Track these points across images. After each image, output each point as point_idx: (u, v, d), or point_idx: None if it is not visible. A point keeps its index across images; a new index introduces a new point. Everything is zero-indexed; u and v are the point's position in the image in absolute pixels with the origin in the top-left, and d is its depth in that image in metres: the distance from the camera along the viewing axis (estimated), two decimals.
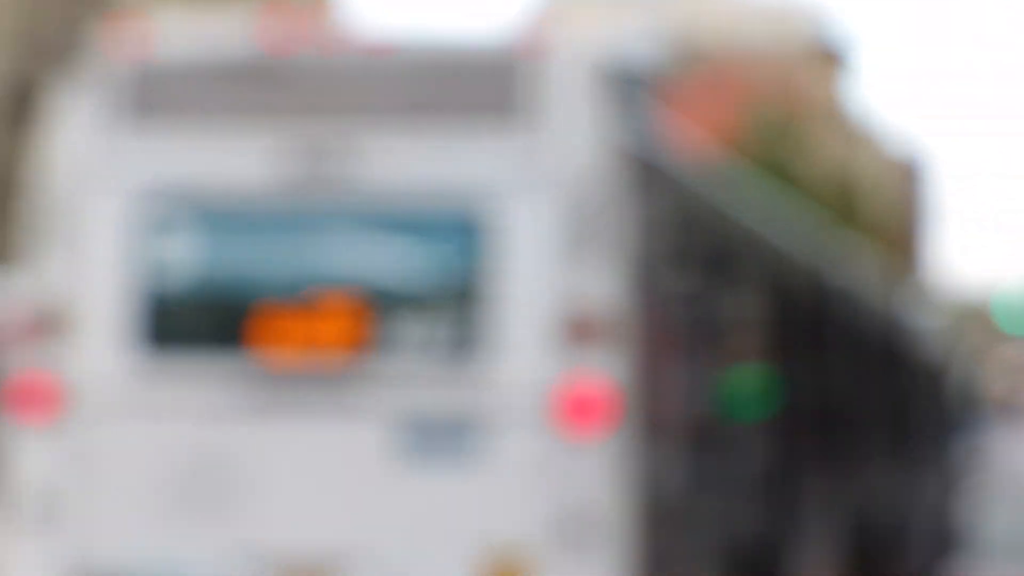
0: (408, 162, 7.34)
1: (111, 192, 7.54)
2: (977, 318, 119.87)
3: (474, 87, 7.35)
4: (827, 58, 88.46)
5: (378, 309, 7.32)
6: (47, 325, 7.47)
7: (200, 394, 7.46)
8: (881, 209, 76.35)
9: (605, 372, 7.03)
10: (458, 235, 7.29)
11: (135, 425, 7.48)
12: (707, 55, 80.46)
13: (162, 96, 7.59)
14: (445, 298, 7.28)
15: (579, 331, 7.03)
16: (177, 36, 7.60)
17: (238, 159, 7.42)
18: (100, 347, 7.49)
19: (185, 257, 7.59)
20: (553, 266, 7.11)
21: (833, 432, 10.96)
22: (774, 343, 9.41)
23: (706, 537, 8.27)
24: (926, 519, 15.69)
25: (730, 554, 8.57)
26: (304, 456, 7.34)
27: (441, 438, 7.20)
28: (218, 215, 7.49)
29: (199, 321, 7.62)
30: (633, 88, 7.72)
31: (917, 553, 15.16)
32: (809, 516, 10.28)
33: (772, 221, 9.68)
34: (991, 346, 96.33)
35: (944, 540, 17.07)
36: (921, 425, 15.49)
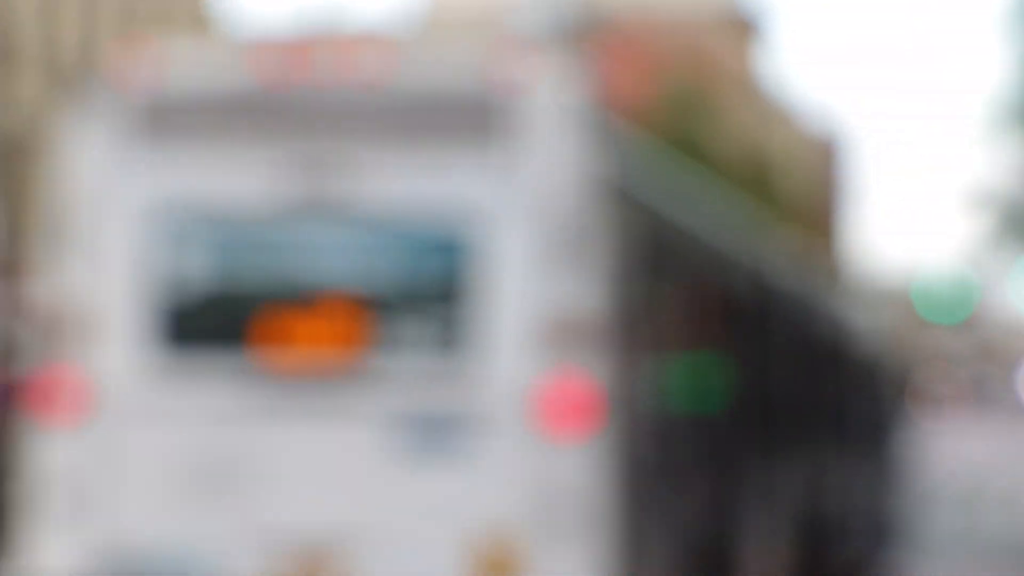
0: (397, 181, 8.48)
1: (126, 207, 8.66)
2: (898, 304, 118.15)
3: (456, 114, 8.55)
4: (741, 27, 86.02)
5: (372, 315, 8.46)
6: (69, 329, 8.54)
7: (210, 392, 8.52)
8: (798, 187, 73.57)
9: (584, 373, 8.04)
10: (444, 248, 8.35)
11: (151, 421, 8.55)
12: (616, 22, 77.71)
13: (172, 119, 8.72)
14: (433, 306, 8.38)
15: (559, 336, 8.11)
16: (184, 62, 8.79)
17: (241, 177, 8.61)
18: (117, 349, 8.56)
19: (195, 267, 8.67)
20: (534, 275, 8.15)
21: (775, 424, 12.05)
22: (723, 338, 10.63)
23: (670, 526, 9.29)
24: (865, 510, 16.82)
25: (690, 542, 9.66)
26: (307, 450, 8.43)
27: (432, 436, 8.25)
28: (224, 228, 8.66)
29: (208, 325, 8.65)
30: (597, 110, 8.87)
31: (856, 543, 16.26)
32: (755, 506, 11.39)
33: (710, 217, 10.68)
34: (912, 333, 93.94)
35: (882, 531, 18.17)
36: (859, 417, 16.72)
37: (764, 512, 11.53)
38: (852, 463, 15.72)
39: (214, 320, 8.75)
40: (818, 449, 13.76)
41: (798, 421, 12.75)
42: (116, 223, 8.72)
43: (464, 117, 8.65)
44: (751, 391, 11.14)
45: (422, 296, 8.49)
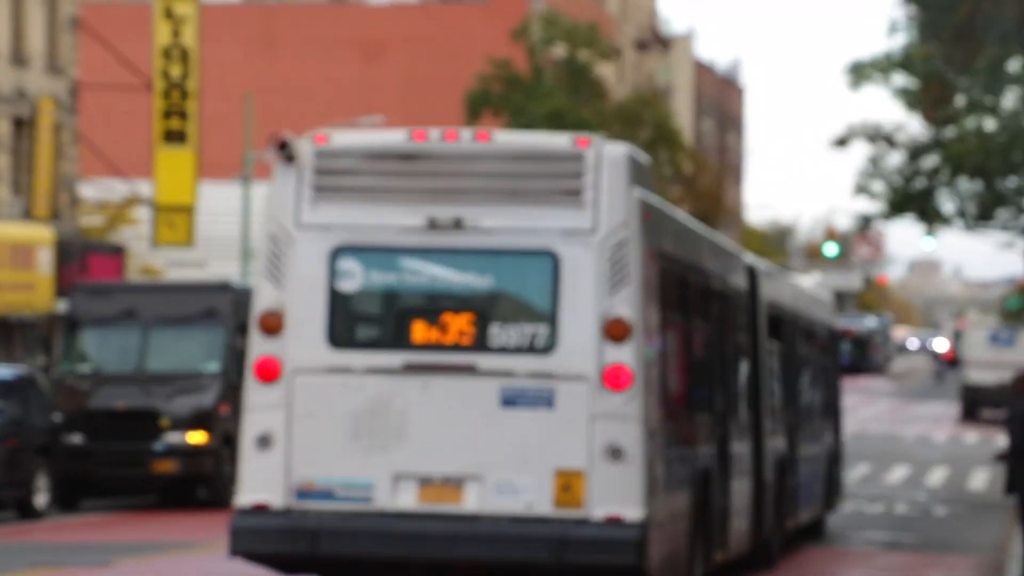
0: (509, 219, 13.25)
1: (307, 238, 13.38)
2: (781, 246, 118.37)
3: (547, 166, 13.42)
4: None
5: (485, 315, 13.20)
6: (273, 327, 13.42)
7: (370, 370, 13.25)
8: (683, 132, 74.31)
9: (622, 355, 13.24)
10: (542, 271, 13.23)
11: (325, 389, 13.28)
12: None
13: (338, 171, 13.53)
14: (535, 311, 13.28)
15: (613, 331, 13.24)
16: (347, 140, 14.02)
17: (386, 212, 13.31)
18: (303, 339, 13.38)
19: (356, 287, 13.42)
20: (597, 290, 13.28)
21: (731, 376, 17.33)
22: (704, 338, 16.13)
23: (674, 454, 14.25)
24: (816, 473, 22.45)
25: (688, 466, 14.87)
26: (441, 411, 13.23)
27: (532, 395, 13.26)
28: (376, 259, 13.23)
29: (368, 326, 13.46)
30: (644, 169, 13.88)
31: (811, 500, 22.24)
32: (727, 438, 16.88)
33: (699, 256, 15.82)
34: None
35: (828, 490, 23.89)
36: (814, 389, 22.50)
37: (732, 443, 17.07)
38: (810, 432, 22.05)
39: (372, 321, 13.59)
40: (780, 421, 19.94)
41: (763, 387, 18.69)
42: (302, 257, 13.54)
43: (553, 178, 13.47)
44: (716, 362, 16.72)
45: (525, 311, 13.51)
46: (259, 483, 13.62)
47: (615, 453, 13.34)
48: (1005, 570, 20.16)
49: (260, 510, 13.64)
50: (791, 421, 20.39)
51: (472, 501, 13.35)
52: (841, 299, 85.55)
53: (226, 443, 28.27)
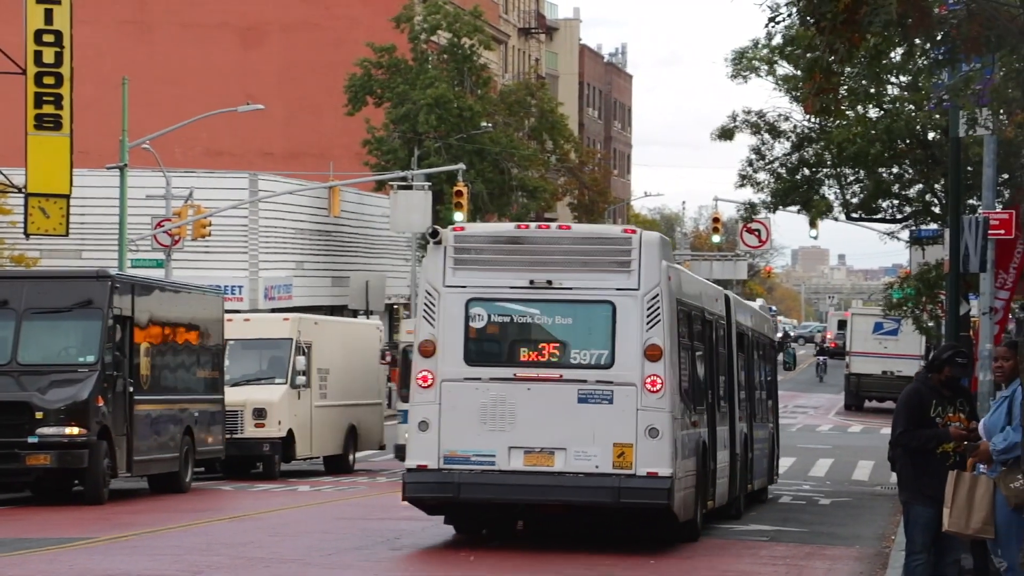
0: (583, 281, 20.54)
1: (450, 293, 20.56)
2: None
3: (608, 244, 20.85)
4: None
5: (567, 343, 20.48)
6: (428, 352, 20.58)
7: (492, 379, 20.30)
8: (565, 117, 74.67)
9: (657, 369, 20.36)
10: (605, 315, 20.47)
11: (463, 392, 20.31)
12: None
13: (472, 254, 20.79)
14: (600, 340, 20.54)
15: (648, 355, 20.36)
16: (476, 229, 21.96)
17: (503, 277, 20.58)
18: (449, 360, 20.49)
19: (483, 325, 20.62)
20: (642, 328, 20.51)
21: (726, 390, 25.46)
22: (708, 354, 24.14)
23: (686, 434, 21.37)
24: (764, 451, 29.10)
25: (693, 441, 21.98)
26: (541, 403, 20.29)
27: (598, 394, 20.30)
28: (496, 304, 20.48)
29: (490, 350, 20.50)
30: (667, 245, 21.53)
31: (762, 472, 29.15)
32: (722, 427, 24.78)
33: (701, 300, 23.88)
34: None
35: (771, 465, 30.50)
36: (763, 387, 29.61)
37: (717, 426, 24.29)
38: (761, 422, 29.14)
39: (493, 349, 20.66)
40: (744, 405, 27.35)
41: (734, 386, 25.99)
42: (447, 306, 20.56)
43: (611, 254, 20.66)
44: (707, 368, 23.99)
45: (594, 339, 20.69)
46: (421, 452, 20.73)
47: (652, 432, 20.64)
48: (890, 561, 20.15)
49: (421, 469, 20.72)
50: (750, 411, 27.65)
51: (560, 463, 20.63)
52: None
53: (102, 436, 27.71)
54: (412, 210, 61.03)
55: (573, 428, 20.39)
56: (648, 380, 20.48)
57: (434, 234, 20.89)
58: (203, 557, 20.91)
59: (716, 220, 77.63)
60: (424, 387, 20.62)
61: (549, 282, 20.66)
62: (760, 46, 37.95)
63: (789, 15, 28.10)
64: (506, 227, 21.63)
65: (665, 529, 21.56)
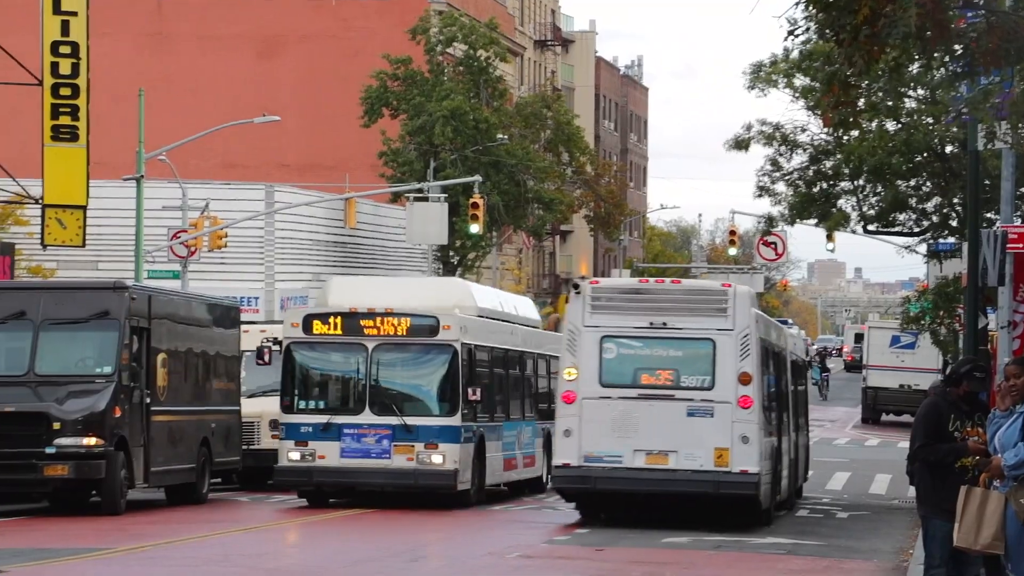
0: (690, 323, 26.57)
1: (589, 336, 26.65)
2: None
3: (710, 295, 27.09)
4: None
5: (679, 370, 26.56)
6: (572, 376, 26.65)
7: (621, 397, 26.40)
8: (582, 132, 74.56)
9: (750, 391, 26.43)
10: (707, 349, 26.49)
11: (598, 407, 26.27)
12: None
13: (604, 301, 26.95)
14: (704, 369, 26.54)
15: (741, 380, 26.40)
16: (608, 282, 31.63)
17: (628, 319, 26.68)
18: (585, 383, 26.51)
19: (613, 356, 26.69)
20: (735, 359, 26.47)
21: (780, 400, 30.29)
22: (781, 378, 30.81)
23: (766, 441, 27.30)
24: (801, 456, 33.52)
25: (769, 447, 27.79)
26: (658, 417, 26.28)
27: (703, 410, 26.30)
28: (623, 340, 26.63)
29: (620, 374, 26.51)
30: (754, 296, 28.24)
31: (801, 473, 33.78)
32: (785, 434, 30.46)
33: (771, 337, 29.86)
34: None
35: (805, 468, 34.89)
36: (801, 402, 34.34)
37: (780, 435, 29.51)
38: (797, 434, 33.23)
39: (621, 373, 26.49)
40: (792, 413, 32.10)
41: (784, 396, 30.77)
42: (586, 341, 26.52)
43: (712, 303, 26.70)
44: (775, 389, 29.44)
45: (699, 367, 26.50)
46: (565, 453, 26.48)
47: (744, 439, 26.32)
48: (909, 575, 20.07)
49: (566, 466, 26.50)
50: (795, 423, 32.25)
51: (673, 463, 26.30)
52: None
53: (119, 447, 27.71)
54: (428, 222, 61.04)
55: (683, 436, 26.23)
56: (740, 399, 26.32)
57: (576, 287, 27.33)
58: (220, 568, 20.90)
59: (733, 233, 77.53)
60: (568, 404, 26.57)
61: (664, 324, 26.61)
62: (778, 60, 37.89)
63: (807, 29, 28.09)
64: (630, 281, 30.11)
65: (750, 515, 26.90)
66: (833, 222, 37.81)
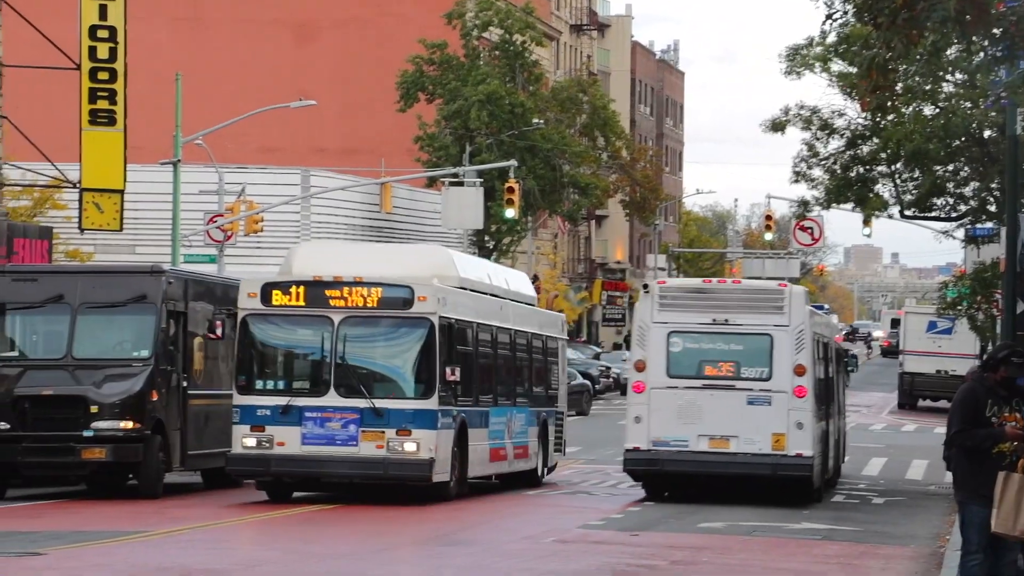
0: (749, 320, 28.61)
1: (657, 331, 28.67)
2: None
3: (768, 295, 29.09)
4: None
5: (739, 363, 28.59)
6: (641, 368, 28.77)
7: (686, 387, 28.42)
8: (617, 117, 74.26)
9: (804, 381, 28.46)
10: (765, 343, 28.51)
11: (665, 396, 28.36)
12: None
13: (670, 298, 28.92)
14: (762, 361, 28.52)
15: (796, 371, 28.43)
16: (675, 282, 33.81)
17: (693, 316, 28.68)
18: (655, 374, 28.54)
19: (679, 349, 28.62)
20: (791, 353, 28.49)
21: (828, 387, 31.85)
22: (825, 368, 31.85)
23: (818, 426, 29.21)
24: (842, 440, 35.38)
25: (821, 431, 29.73)
26: (718, 406, 28.35)
27: (761, 399, 28.33)
28: (688, 335, 28.64)
29: (686, 366, 28.55)
30: (808, 294, 30.49)
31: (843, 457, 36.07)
32: (834, 418, 32.59)
33: (821, 329, 31.80)
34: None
35: (844, 449, 36.15)
36: (840, 389, 35.15)
37: (829, 420, 31.19)
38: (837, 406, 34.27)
39: (686, 364, 28.50)
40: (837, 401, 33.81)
41: (831, 384, 32.19)
42: (654, 336, 28.59)
43: (770, 301, 28.73)
44: (824, 376, 30.81)
45: (758, 360, 28.47)
46: (636, 438, 28.47)
47: (799, 425, 28.26)
48: (945, 561, 20.02)
49: (636, 450, 28.47)
50: (838, 409, 33.79)
51: (734, 447, 28.33)
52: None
53: (156, 430, 27.82)
54: (464, 207, 61.04)
55: (743, 422, 28.21)
56: (796, 389, 28.26)
57: (645, 287, 29.33)
58: (258, 551, 20.97)
59: (769, 218, 77.28)
60: (638, 393, 28.58)
61: (726, 320, 28.51)
62: (815, 44, 37.73)
63: (845, 12, 27.97)
64: (695, 281, 32.11)
65: (804, 494, 28.85)
66: (870, 207, 37.70)
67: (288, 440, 26.57)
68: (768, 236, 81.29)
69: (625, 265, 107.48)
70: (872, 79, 21.34)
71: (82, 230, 42.81)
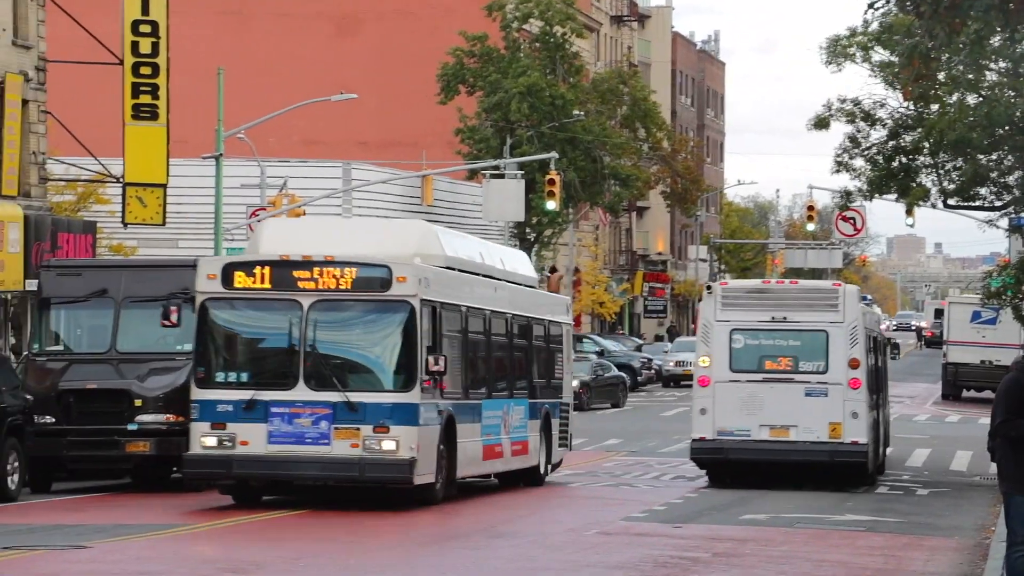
0: (806, 317, 30.56)
1: (720, 328, 30.52)
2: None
3: (823, 293, 30.99)
4: None
5: (797, 357, 30.51)
6: (706, 363, 30.54)
7: (748, 381, 30.36)
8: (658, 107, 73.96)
9: (858, 374, 30.36)
10: (822, 338, 30.32)
11: (728, 389, 30.35)
12: None
13: (732, 298, 30.85)
14: (818, 355, 30.37)
15: (851, 364, 30.29)
16: (734, 282, 37.13)
17: (753, 314, 30.63)
18: (718, 369, 30.38)
19: (741, 345, 30.62)
20: (846, 349, 30.35)
21: (880, 375, 34.53)
22: (874, 357, 33.51)
23: (872, 415, 31.24)
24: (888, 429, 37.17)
25: (873, 419, 31.73)
26: (780, 396, 30.29)
27: (818, 391, 30.21)
28: (749, 332, 30.55)
29: (747, 361, 30.45)
30: (859, 292, 32.45)
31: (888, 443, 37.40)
32: (879, 414, 33.88)
33: (868, 323, 32.80)
34: None
35: (887, 437, 36.59)
36: (885, 379, 36.47)
37: (879, 409, 33.20)
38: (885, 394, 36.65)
39: (746, 362, 30.43)
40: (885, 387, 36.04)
41: (880, 375, 34.13)
42: (718, 333, 30.41)
43: (825, 300, 30.61)
44: (874, 367, 32.70)
45: (815, 354, 30.34)
46: (701, 428, 30.14)
47: (854, 415, 30.09)
48: (990, 552, 19.92)
49: (702, 440, 30.20)
50: (884, 398, 35.69)
51: (793, 435, 30.08)
52: (822, 278, 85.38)
53: None
54: (505, 199, 61.03)
55: (802, 412, 30.00)
56: (851, 381, 30.05)
57: (708, 288, 31.37)
58: (305, 544, 21.04)
59: (811, 208, 77.02)
60: (703, 387, 30.27)
61: (784, 318, 30.35)
62: (856, 33, 37.54)
63: (887, 1, 27.89)
64: (755, 282, 33.45)
65: (859, 478, 30.55)
66: (913, 197, 37.52)
67: (252, 439, 24.04)
68: (810, 227, 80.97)
69: (667, 256, 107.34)
70: (914, 68, 21.21)
71: (125, 224, 42.90)
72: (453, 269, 26.41)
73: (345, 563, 19.66)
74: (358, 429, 23.81)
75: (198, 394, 24.47)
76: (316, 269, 24.14)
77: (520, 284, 30.31)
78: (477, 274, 27.68)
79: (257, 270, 24.29)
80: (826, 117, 37.39)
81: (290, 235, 25.92)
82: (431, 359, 24.23)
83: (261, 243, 25.62)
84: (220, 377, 24.38)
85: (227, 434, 24.13)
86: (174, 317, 25.97)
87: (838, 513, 25.99)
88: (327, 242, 25.03)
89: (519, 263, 31.33)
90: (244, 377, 24.35)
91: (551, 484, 30.60)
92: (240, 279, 24.35)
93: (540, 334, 30.48)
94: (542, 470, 30.25)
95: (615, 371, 59.09)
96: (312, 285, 24.16)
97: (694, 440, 30.29)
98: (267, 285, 24.28)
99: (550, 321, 31.17)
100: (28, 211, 40.32)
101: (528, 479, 29.65)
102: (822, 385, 29.99)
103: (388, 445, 23.79)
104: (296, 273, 24.22)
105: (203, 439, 24.27)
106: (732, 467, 30.49)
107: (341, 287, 24.14)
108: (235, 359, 24.63)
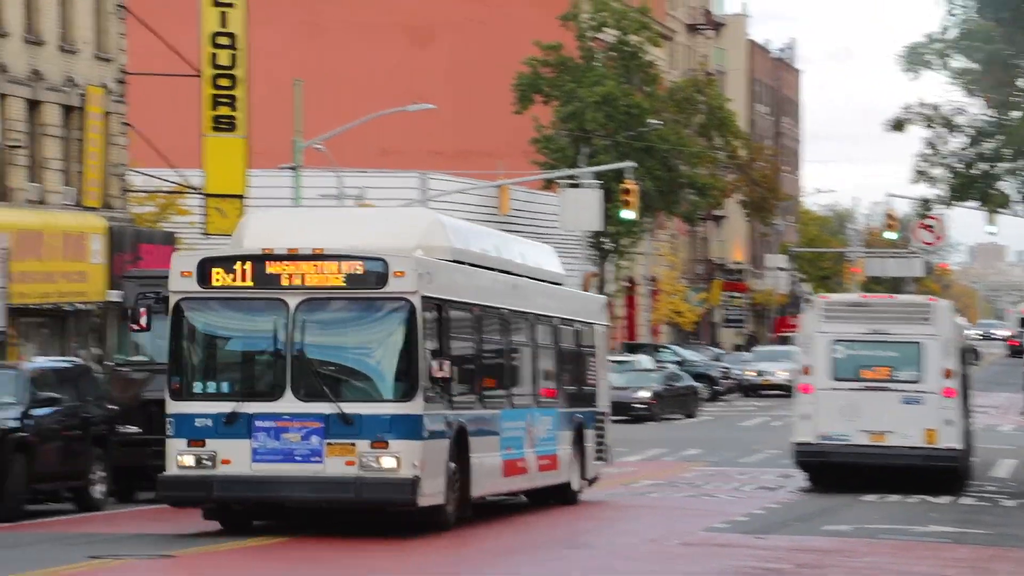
0: (902, 329, 31.91)
1: (822, 339, 31.82)
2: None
3: (918, 307, 32.63)
4: None
5: (894, 367, 31.82)
6: (808, 372, 31.87)
7: (848, 390, 31.61)
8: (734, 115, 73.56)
9: (951, 383, 31.69)
10: (916, 350, 31.73)
11: (829, 396, 31.64)
12: None
13: (834, 311, 32.26)
14: (914, 365, 31.73)
15: (944, 374, 31.56)
16: (834, 296, 36.56)
17: (852, 326, 31.87)
18: (820, 377, 31.67)
19: (841, 355, 31.76)
20: (939, 360, 31.64)
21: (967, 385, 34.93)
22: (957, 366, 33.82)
23: (963, 422, 32.63)
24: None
25: (965, 426, 33.21)
26: (877, 404, 31.57)
27: (912, 400, 31.51)
28: (849, 343, 31.80)
29: (847, 370, 31.70)
30: (952, 306, 33.90)
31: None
32: (968, 423, 34.54)
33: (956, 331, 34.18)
34: None
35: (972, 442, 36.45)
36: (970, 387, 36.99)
37: (967, 417, 33.54)
38: None
39: (846, 371, 31.69)
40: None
41: (969, 384, 34.41)
42: (819, 344, 31.72)
43: (920, 314, 32.08)
44: (966, 376, 33.64)
45: (910, 364, 31.75)
46: (803, 433, 31.67)
47: (949, 422, 31.43)
48: None
49: (805, 444, 31.61)
50: (970, 408, 35.66)
51: (890, 441, 31.39)
52: (902, 287, 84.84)
53: None
54: (582, 208, 60.99)
55: (898, 419, 31.42)
56: (944, 390, 31.49)
57: (810, 301, 33.44)
58: (388, 560, 20.98)
59: (891, 217, 76.51)
60: (805, 394, 31.76)
61: (881, 331, 31.74)
62: (934, 40, 37.31)
63: (966, 8, 27.71)
64: (854, 296, 35.81)
65: (952, 483, 31.84)
66: (994, 204, 37.27)
67: (235, 457, 21.34)
68: (890, 235, 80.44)
69: (744, 265, 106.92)
70: (995, 75, 21.04)
71: (206, 235, 43.14)
72: (463, 263, 23.30)
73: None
74: (353, 445, 21.11)
75: (173, 407, 21.78)
76: (303, 263, 21.33)
77: (545, 280, 27.03)
78: (493, 268, 24.50)
79: (237, 266, 21.45)
80: (903, 120, 37.18)
81: (278, 227, 23.07)
82: (435, 364, 21.47)
83: (245, 236, 22.65)
84: (198, 388, 21.70)
85: (206, 452, 21.44)
86: (143, 320, 23.19)
87: (922, 524, 25.74)
88: (318, 234, 22.31)
89: (544, 258, 27.88)
90: (224, 387, 21.64)
91: (586, 503, 27.45)
92: (218, 276, 21.51)
93: (570, 336, 27.34)
94: (575, 486, 27.18)
95: (688, 380, 58.83)
96: (299, 282, 21.35)
97: (797, 444, 31.86)
98: (249, 283, 21.44)
99: (582, 322, 28.05)
100: (110, 222, 40.66)
101: (559, 496, 26.70)
102: (918, 393, 31.53)
103: (388, 462, 21.06)
104: (281, 268, 21.38)
105: (180, 458, 21.57)
106: (833, 470, 31.96)
107: (331, 284, 21.29)
108: (214, 367, 21.84)
